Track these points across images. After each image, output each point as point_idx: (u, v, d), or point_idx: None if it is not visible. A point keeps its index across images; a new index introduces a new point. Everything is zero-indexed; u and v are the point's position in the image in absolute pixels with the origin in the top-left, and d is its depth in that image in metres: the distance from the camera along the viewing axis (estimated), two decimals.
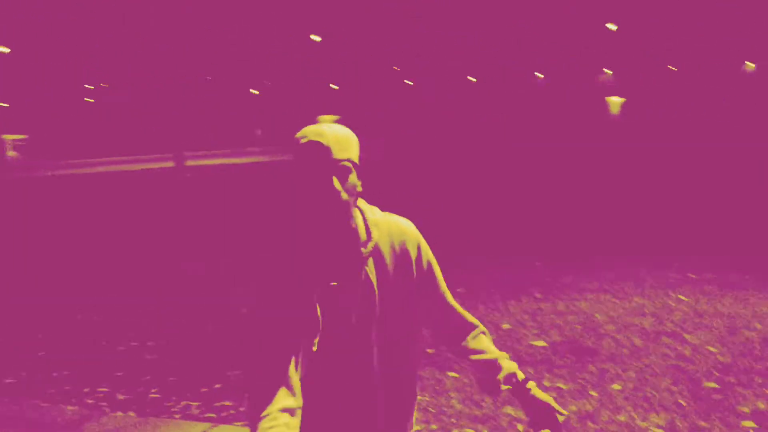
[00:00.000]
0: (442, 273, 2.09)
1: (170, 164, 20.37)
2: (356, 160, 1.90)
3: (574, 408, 4.28)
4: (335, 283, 1.91)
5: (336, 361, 1.95)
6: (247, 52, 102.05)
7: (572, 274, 7.33)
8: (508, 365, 2.09)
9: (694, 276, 7.07)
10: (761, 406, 4.17)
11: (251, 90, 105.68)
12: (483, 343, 2.11)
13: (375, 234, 1.95)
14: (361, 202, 1.99)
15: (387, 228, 1.99)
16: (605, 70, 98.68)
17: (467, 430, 4.12)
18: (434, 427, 4.19)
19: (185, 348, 5.74)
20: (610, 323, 5.75)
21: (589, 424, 4.09)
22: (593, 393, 4.48)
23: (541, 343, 5.39)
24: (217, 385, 4.97)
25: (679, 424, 4.01)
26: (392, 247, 1.98)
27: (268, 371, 1.83)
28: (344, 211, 1.86)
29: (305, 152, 1.85)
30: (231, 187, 17.31)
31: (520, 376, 2.09)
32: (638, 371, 4.77)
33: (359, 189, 1.91)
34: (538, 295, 6.62)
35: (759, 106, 36.95)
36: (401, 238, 2.00)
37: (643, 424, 4.03)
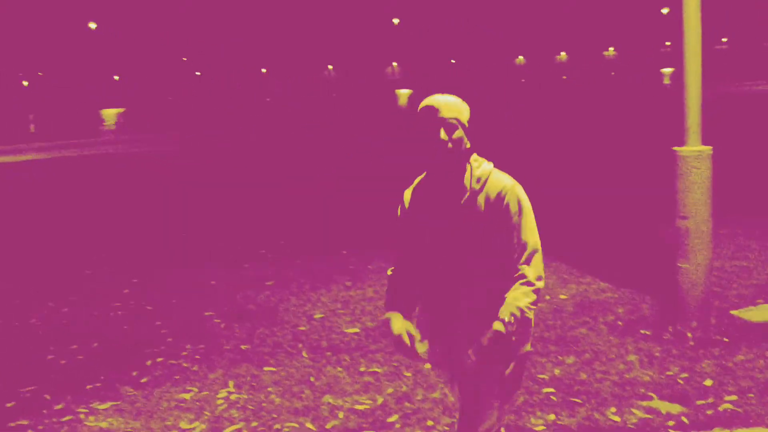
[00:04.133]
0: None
1: None
2: (464, 122, 2.54)
3: (390, 390, 4.39)
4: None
5: (439, 276, 2.60)
6: (15, 39, 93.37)
7: (378, 260, 7.51)
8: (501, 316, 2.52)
9: None
10: (557, 372, 4.53)
11: (23, 82, 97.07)
12: (509, 294, 2.52)
13: (476, 185, 2.53)
14: (473, 159, 2.58)
15: (488, 181, 2.53)
16: (393, 64, 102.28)
17: (289, 424, 4.08)
18: (254, 424, 4.10)
19: None
20: None
21: (406, 404, 4.21)
22: (407, 374, 4.62)
23: (354, 330, 5.47)
24: (10, 404, 4.52)
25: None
26: (488, 196, 2.51)
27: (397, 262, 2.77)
28: (451, 157, 2.51)
29: (422, 112, 2.52)
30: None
31: (498, 326, 2.51)
32: None
33: (467, 145, 2.56)
34: (348, 283, 6.71)
35: (529, 100, 40.13)
36: (497, 190, 2.52)
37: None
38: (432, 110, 2.49)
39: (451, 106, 2.51)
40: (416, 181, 2.73)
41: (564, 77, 70.38)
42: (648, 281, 6.04)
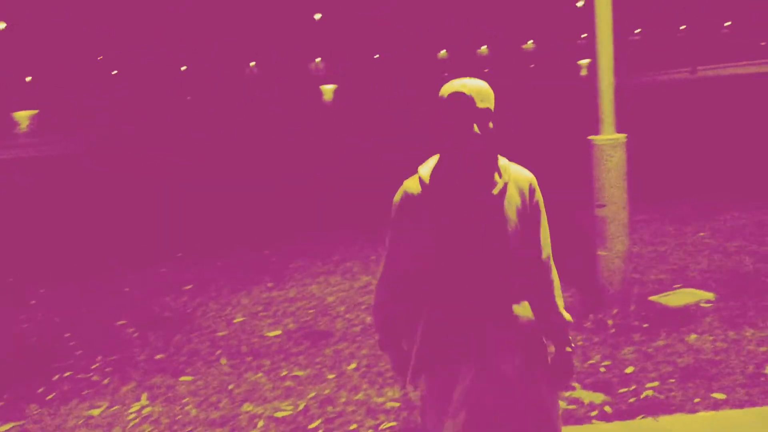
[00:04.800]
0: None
1: None
2: (492, 108, 2.28)
3: (313, 394, 4.24)
4: None
5: (457, 283, 2.30)
6: None
7: (301, 259, 7.34)
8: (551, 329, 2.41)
9: None
10: None
11: None
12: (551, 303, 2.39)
13: (504, 176, 2.31)
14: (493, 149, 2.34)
15: (513, 173, 2.34)
16: (317, 59, 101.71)
17: None
18: None
19: None
20: (341, 304, 5.83)
21: (329, 408, 4.07)
22: (330, 376, 4.48)
23: (276, 333, 5.30)
24: None
25: (411, 394, 4.15)
26: (516, 189, 2.32)
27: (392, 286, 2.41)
28: (481, 148, 2.27)
29: (452, 101, 2.24)
30: None
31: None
32: (370, 348, 4.87)
33: (490, 133, 2.29)
34: (270, 284, 6.52)
35: None
36: (526, 182, 2.34)
37: (380, 400, 4.11)
38: (465, 98, 2.24)
39: (484, 93, 2.26)
40: (425, 169, 2.37)
41: (486, 70, 71.35)
42: (568, 270, 6.05)
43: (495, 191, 2.29)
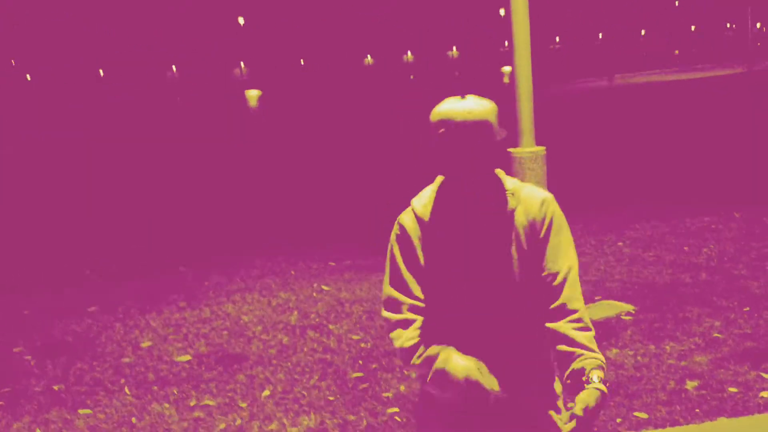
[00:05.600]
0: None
1: None
2: (496, 127, 1.98)
3: (223, 425, 3.98)
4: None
5: (460, 330, 2.04)
6: None
7: (217, 275, 7.04)
8: (584, 364, 1.93)
9: (333, 264, 7.25)
10: (402, 388, 4.30)
11: None
12: (570, 334, 1.97)
13: (512, 202, 2.04)
14: (499, 172, 2.09)
15: (524, 196, 2.06)
16: (241, 64, 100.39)
17: None
18: None
19: None
20: (258, 324, 5.57)
21: None
22: (243, 404, 4.22)
23: (185, 358, 4.99)
24: None
25: (328, 422, 3.94)
26: (527, 211, 2.04)
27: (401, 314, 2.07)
28: (483, 171, 1.99)
29: (447, 122, 1.95)
30: None
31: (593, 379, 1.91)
32: (287, 372, 4.64)
33: (498, 156, 2.04)
34: (182, 304, 6.20)
35: (378, 98, 40.55)
36: (536, 203, 2.05)
37: (294, 430, 3.89)
38: (461, 120, 1.94)
39: (484, 112, 1.96)
40: (421, 202, 2.11)
41: (411, 77, 71.80)
42: None
43: (501, 218, 2.03)
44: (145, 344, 5.30)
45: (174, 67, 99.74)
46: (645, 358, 4.36)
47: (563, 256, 2.04)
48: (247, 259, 7.57)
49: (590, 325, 2.00)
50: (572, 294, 2.02)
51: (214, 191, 12.80)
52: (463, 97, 2.00)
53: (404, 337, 2.05)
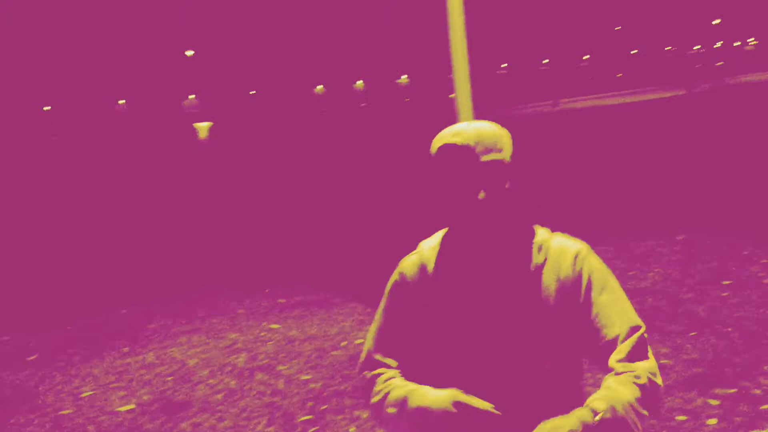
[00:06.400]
0: None
1: None
2: (508, 159, 1.68)
3: None
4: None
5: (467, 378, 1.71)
6: None
7: (162, 317, 6.85)
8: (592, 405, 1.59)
9: (283, 301, 7.13)
10: (352, 430, 4.20)
11: None
12: (608, 379, 1.65)
13: (540, 255, 1.72)
14: (523, 221, 1.78)
15: (554, 248, 1.74)
16: (190, 96, 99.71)
17: None
18: None
19: None
20: (204, 367, 5.41)
21: None
22: None
23: (128, 407, 4.81)
24: None
25: None
26: (557, 270, 1.71)
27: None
28: (492, 216, 1.68)
29: (442, 153, 1.65)
30: None
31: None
32: (233, 417, 4.50)
33: (513, 199, 1.72)
34: (125, 349, 6.00)
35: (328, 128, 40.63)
36: (568, 259, 1.73)
37: None
38: (459, 152, 1.63)
39: (489, 140, 1.65)
40: (429, 245, 1.82)
41: (362, 104, 72.16)
42: None
43: (520, 280, 1.70)
44: (86, 394, 5.10)
45: (122, 100, 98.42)
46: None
47: (618, 316, 1.69)
48: (192, 299, 7.40)
49: (645, 384, 1.65)
50: (644, 365, 1.67)
51: (159, 227, 12.55)
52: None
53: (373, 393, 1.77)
